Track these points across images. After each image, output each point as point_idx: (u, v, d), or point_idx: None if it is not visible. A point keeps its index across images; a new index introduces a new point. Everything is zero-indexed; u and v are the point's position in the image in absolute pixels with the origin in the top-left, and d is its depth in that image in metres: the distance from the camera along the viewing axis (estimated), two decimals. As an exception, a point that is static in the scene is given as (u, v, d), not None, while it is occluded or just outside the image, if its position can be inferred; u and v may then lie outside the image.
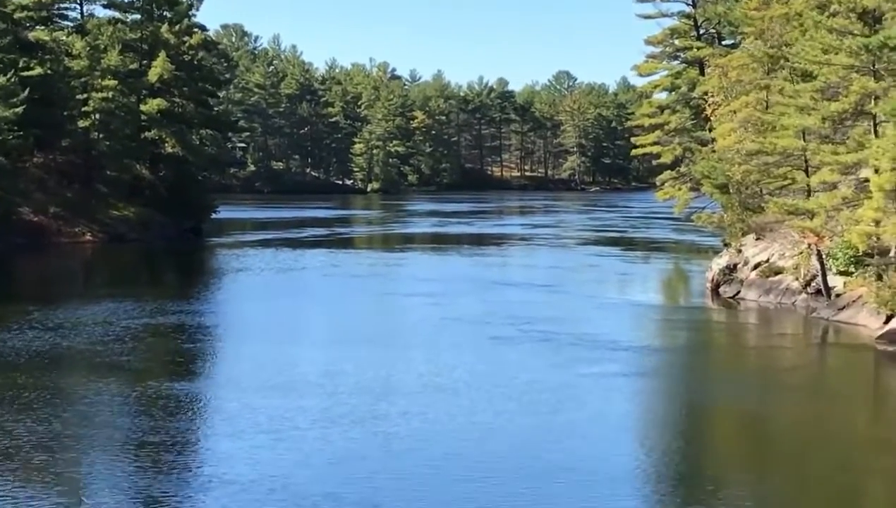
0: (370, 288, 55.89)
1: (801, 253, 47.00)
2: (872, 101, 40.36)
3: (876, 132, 40.67)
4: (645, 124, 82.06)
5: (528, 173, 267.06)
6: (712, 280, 52.11)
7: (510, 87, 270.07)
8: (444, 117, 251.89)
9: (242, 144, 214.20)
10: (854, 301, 41.42)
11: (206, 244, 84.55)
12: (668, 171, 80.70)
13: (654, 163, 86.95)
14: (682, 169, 79.66)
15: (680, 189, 79.85)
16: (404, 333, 41.13)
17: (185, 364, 35.27)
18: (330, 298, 51.73)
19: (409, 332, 41.30)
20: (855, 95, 39.54)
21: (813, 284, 45.36)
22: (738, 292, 49.55)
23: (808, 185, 43.77)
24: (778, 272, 48.33)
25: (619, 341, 39.44)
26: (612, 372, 33.92)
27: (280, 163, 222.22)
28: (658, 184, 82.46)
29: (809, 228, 41.41)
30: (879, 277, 40.41)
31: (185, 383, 31.61)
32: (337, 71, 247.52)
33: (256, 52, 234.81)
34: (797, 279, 46.56)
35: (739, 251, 51.19)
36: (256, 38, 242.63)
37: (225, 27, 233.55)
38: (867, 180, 41.90)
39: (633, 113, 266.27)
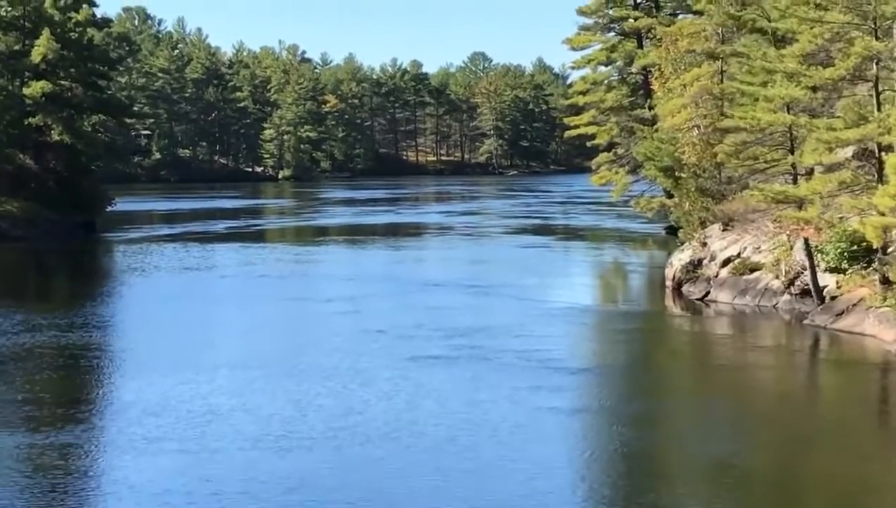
0: (279, 291, 48.59)
1: (781, 246, 40.45)
2: (874, 65, 33.84)
3: (878, 102, 34.16)
4: (579, 103, 75.22)
5: (444, 158, 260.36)
6: (673, 278, 45.00)
7: (424, 70, 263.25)
8: (356, 101, 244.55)
9: (147, 132, 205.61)
10: (855, 305, 34.62)
11: (100, 241, 76.70)
12: (605, 153, 74.16)
13: (589, 144, 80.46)
14: (620, 151, 73.21)
15: (617, 172, 73.51)
16: (314, 353, 33.75)
17: (48, 406, 27.89)
18: (232, 306, 44.34)
19: (320, 352, 33.95)
20: (855, 59, 32.96)
21: (798, 283, 38.69)
22: (707, 293, 42.45)
23: (793, 167, 37.11)
24: (754, 269, 41.47)
25: (565, 359, 32.77)
26: (558, 405, 27.15)
27: (187, 151, 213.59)
28: (593, 167, 75.99)
29: (803, 219, 34.75)
30: (886, 279, 33.89)
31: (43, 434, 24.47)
32: (245, 54, 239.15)
33: (160, 36, 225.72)
34: (778, 277, 39.91)
35: (704, 244, 44.38)
36: (160, 21, 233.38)
37: (127, 10, 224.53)
38: (861, 159, 35.48)
39: (551, 94, 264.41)
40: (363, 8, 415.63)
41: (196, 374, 30.39)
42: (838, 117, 34.59)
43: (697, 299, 42.84)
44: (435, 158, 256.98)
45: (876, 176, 33.80)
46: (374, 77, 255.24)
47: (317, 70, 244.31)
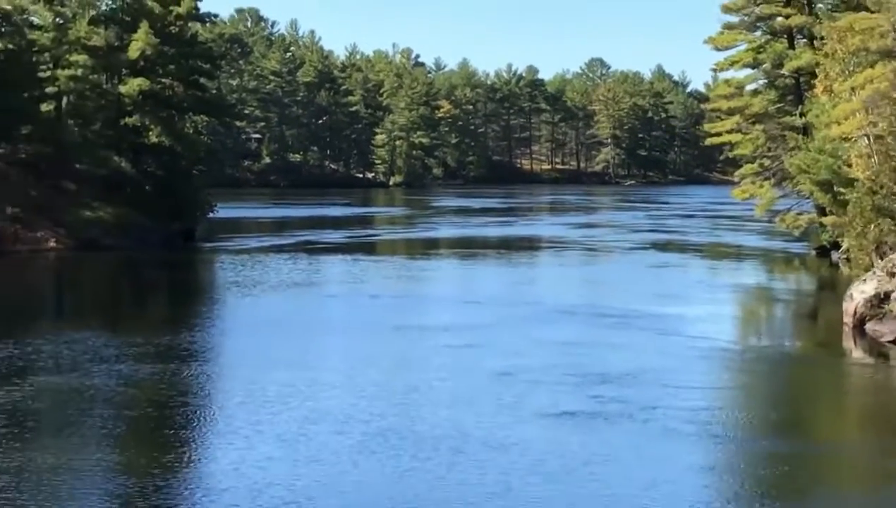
0: (390, 316, 42.39)
1: None
2: None
3: None
4: (722, 108, 68.14)
5: (558, 166, 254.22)
6: (854, 313, 37.81)
7: (540, 76, 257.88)
8: (470, 107, 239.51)
9: (257, 135, 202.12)
10: None
11: (199, 250, 71.44)
12: (749, 165, 67.14)
13: (730, 154, 73.62)
14: (766, 162, 66.19)
15: (762, 186, 66.47)
16: (428, 408, 27.46)
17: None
18: (338, 337, 38.14)
19: (434, 406, 27.69)
20: None
21: None
22: (902, 334, 35.45)
23: None
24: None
25: (734, 423, 26.17)
26: (739, 491, 20.75)
27: (297, 155, 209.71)
28: (736, 179, 68.96)
29: None
30: None
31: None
32: (358, 58, 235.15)
33: (273, 38, 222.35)
34: None
35: (893, 274, 37.32)
36: (273, 23, 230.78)
37: (239, 11, 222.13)
38: None
39: (670, 102, 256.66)
40: (478, 12, 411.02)
41: (296, 442, 24.37)
42: None
43: (889, 341, 35.60)
44: (549, 166, 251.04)
45: None
46: (489, 82, 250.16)
47: (430, 74, 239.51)
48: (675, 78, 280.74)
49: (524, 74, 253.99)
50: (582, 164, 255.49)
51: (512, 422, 25.63)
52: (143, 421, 25.78)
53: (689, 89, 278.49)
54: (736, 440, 24.78)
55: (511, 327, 39.89)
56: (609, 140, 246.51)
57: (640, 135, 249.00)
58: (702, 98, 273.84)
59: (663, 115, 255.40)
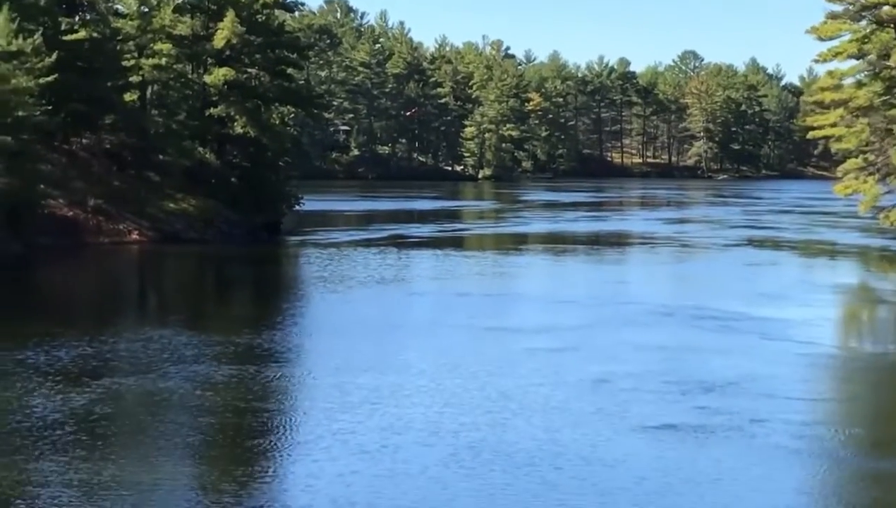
0: (479, 316, 40.42)
1: None
2: None
3: None
4: (825, 100, 65.39)
5: (650, 160, 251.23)
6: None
7: (632, 68, 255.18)
8: (561, 99, 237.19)
9: (346, 127, 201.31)
10: None
11: (283, 244, 70.07)
12: (853, 160, 64.38)
13: (834, 148, 70.95)
14: (870, 156, 63.44)
15: (866, 181, 63.73)
16: (524, 416, 25.46)
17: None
18: (425, 338, 36.10)
19: (531, 413, 25.71)
20: None
21: None
22: None
23: None
24: None
25: (850, 439, 24.08)
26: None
27: (386, 148, 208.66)
28: (839, 175, 66.26)
29: None
30: None
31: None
32: (447, 49, 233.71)
33: (362, 30, 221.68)
34: None
35: None
36: (362, 14, 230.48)
37: (329, 2, 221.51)
38: None
39: (764, 95, 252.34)
40: (569, 4, 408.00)
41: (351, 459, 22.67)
42: None
43: None
44: (640, 160, 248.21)
45: None
46: (580, 75, 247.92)
47: (520, 67, 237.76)
48: (770, 71, 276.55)
49: (615, 67, 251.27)
50: (673, 158, 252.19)
51: (611, 435, 23.70)
52: (217, 428, 24.17)
53: (783, 82, 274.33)
54: (847, 459, 22.66)
55: (606, 329, 37.91)
56: (701, 133, 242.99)
57: (734, 129, 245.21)
58: (797, 91, 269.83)
59: (757, 109, 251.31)
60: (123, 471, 20.42)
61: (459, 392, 27.72)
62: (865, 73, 64.71)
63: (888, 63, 61.65)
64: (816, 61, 64.54)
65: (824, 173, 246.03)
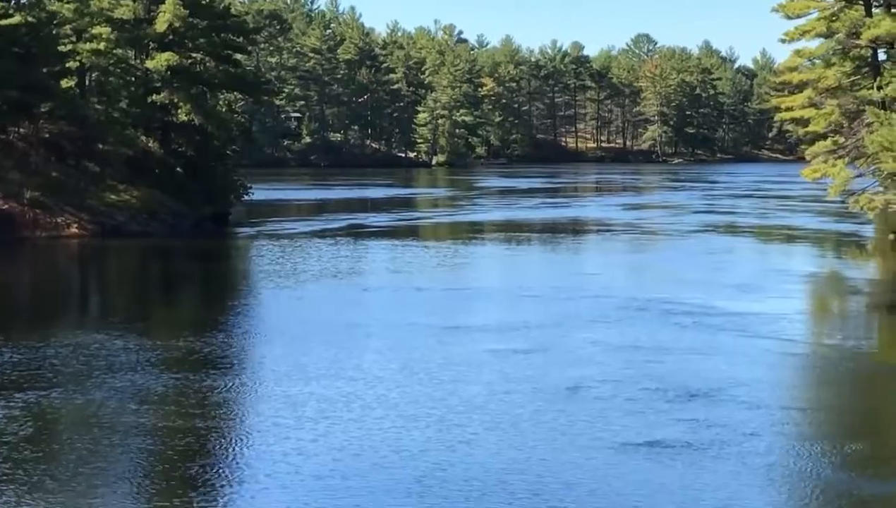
0: (439, 314, 37.78)
1: None
2: None
3: None
4: (793, 81, 63.18)
5: (604, 144, 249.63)
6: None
7: (585, 52, 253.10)
8: (514, 84, 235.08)
9: (297, 114, 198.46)
10: None
11: (231, 237, 67.23)
12: (822, 142, 62.19)
13: (802, 132, 68.83)
14: (840, 139, 61.31)
15: (835, 165, 61.62)
16: (490, 434, 22.77)
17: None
18: (381, 340, 33.29)
19: (496, 429, 23.04)
20: None
21: None
22: None
23: None
24: None
25: (852, 457, 21.58)
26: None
27: (338, 135, 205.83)
28: (808, 158, 64.08)
29: None
30: None
31: None
32: (399, 35, 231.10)
33: (312, 15, 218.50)
34: None
35: None
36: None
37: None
38: None
39: (718, 78, 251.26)
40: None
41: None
42: None
43: None
44: (595, 145, 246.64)
45: None
46: (533, 59, 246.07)
47: (473, 51, 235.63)
48: (723, 54, 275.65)
49: (569, 51, 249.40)
50: (628, 143, 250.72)
51: (591, 454, 21.19)
52: (152, 452, 21.39)
53: (737, 65, 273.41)
54: (854, 482, 20.25)
55: (575, 326, 35.41)
56: (656, 117, 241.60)
57: (688, 113, 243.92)
58: (750, 74, 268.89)
59: (711, 92, 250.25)
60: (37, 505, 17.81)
61: (423, 402, 25.18)
62: (833, 51, 62.42)
63: (858, 41, 59.39)
64: (783, 41, 62.12)
65: (778, 156, 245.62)
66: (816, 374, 30.08)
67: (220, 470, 20.35)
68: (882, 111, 56.51)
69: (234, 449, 21.63)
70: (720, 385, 26.76)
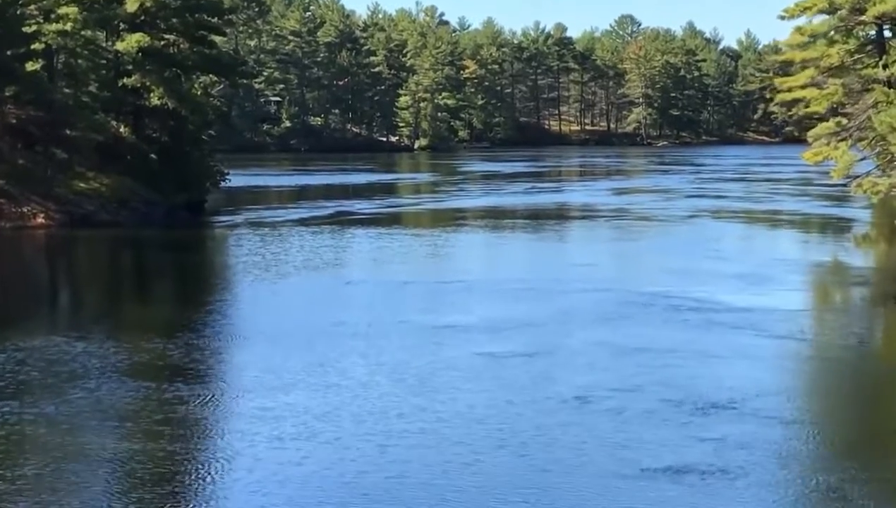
0: (426, 311, 35.07)
1: None
2: None
3: None
4: (796, 60, 60.48)
5: (588, 127, 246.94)
6: None
7: (569, 34, 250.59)
8: (496, 67, 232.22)
9: (276, 98, 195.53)
10: None
11: (207, 226, 64.43)
12: (825, 123, 59.57)
13: (802, 112, 66.26)
14: (844, 120, 58.72)
15: (838, 147, 59.04)
16: (487, 454, 20.02)
17: None
18: (364, 341, 30.44)
19: (494, 449, 20.29)
20: None
21: None
22: None
23: None
24: None
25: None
26: None
27: (318, 119, 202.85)
28: (810, 140, 61.48)
29: None
30: None
31: None
32: (380, 17, 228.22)
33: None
34: None
35: None
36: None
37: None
38: None
39: (703, 60, 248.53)
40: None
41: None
42: None
43: None
44: (579, 128, 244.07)
45: None
46: (516, 41, 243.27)
47: (455, 34, 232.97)
48: (707, 35, 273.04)
49: (552, 32, 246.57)
50: (612, 125, 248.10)
51: (612, 481, 18.46)
52: (110, 479, 18.58)
53: (721, 46, 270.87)
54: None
55: (576, 325, 32.70)
56: (640, 99, 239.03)
57: (673, 95, 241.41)
58: (735, 55, 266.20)
59: (696, 74, 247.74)
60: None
61: (418, 415, 22.41)
62: (836, 29, 59.75)
63: (862, 17, 56.73)
64: (783, 17, 59.43)
65: (764, 138, 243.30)
66: (853, 383, 27.22)
67: (171, 495, 17.61)
68: (890, 89, 53.94)
69: (202, 478, 18.83)
70: (744, 394, 24.03)
